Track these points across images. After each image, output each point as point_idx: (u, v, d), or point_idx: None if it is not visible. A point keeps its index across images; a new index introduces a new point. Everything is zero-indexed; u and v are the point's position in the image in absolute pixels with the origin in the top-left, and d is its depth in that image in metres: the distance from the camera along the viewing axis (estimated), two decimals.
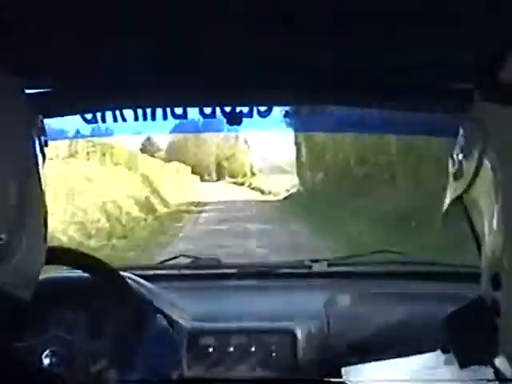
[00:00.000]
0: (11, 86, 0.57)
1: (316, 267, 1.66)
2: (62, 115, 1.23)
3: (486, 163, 0.51)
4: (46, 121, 0.77)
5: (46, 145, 0.64)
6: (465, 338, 0.58)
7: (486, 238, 0.52)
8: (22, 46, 0.85)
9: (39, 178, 0.60)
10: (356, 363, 1.26)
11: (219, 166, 35.17)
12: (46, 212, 0.63)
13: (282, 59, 1.03)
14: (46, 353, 1.01)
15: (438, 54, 0.97)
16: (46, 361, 1.01)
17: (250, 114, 1.22)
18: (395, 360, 0.87)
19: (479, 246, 0.56)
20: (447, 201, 0.61)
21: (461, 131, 0.59)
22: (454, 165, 0.58)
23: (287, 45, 0.96)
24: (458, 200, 0.59)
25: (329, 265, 1.65)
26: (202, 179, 31.66)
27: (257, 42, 0.95)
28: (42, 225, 0.61)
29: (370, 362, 1.23)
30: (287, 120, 1.35)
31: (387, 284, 1.60)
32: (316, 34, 0.91)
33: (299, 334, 1.31)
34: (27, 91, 0.62)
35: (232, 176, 34.30)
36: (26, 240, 0.55)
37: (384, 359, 1.24)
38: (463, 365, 0.59)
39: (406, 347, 1.18)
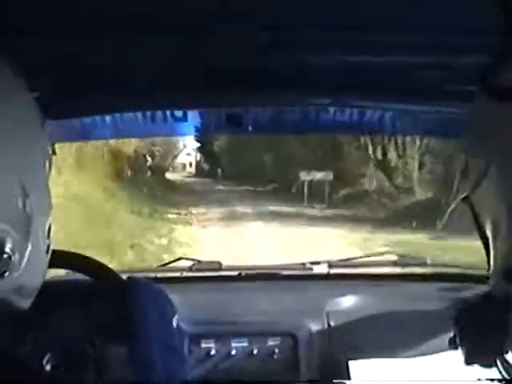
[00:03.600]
0: (17, 88, 0.56)
1: (317, 269, 1.66)
2: (63, 118, 1.23)
3: (492, 163, 0.50)
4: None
5: (54, 152, 0.63)
6: (476, 334, 0.57)
7: (495, 238, 0.52)
8: (29, 47, 0.85)
9: (44, 182, 0.60)
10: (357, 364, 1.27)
11: None
12: (50, 217, 0.62)
13: (280, 61, 1.03)
14: (47, 356, 1.00)
15: (439, 56, 0.97)
16: (48, 364, 1.00)
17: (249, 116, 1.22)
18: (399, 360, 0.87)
19: (486, 246, 0.55)
20: (456, 200, 0.61)
21: (464, 129, 0.59)
22: (461, 163, 0.57)
23: (287, 47, 0.96)
24: (466, 199, 0.58)
25: (329, 266, 1.65)
26: None
27: (256, 46, 0.95)
28: (46, 231, 0.60)
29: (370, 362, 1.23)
30: None
31: (388, 286, 1.60)
32: (315, 34, 0.91)
33: (300, 336, 1.31)
34: (34, 94, 0.61)
35: None
36: (30, 248, 0.55)
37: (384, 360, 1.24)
38: (471, 361, 0.59)
39: (407, 348, 1.18)
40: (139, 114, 1.22)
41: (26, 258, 0.53)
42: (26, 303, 0.59)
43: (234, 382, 1.27)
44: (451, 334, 0.62)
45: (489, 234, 0.53)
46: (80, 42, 0.88)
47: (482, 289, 0.58)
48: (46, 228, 0.60)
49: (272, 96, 1.18)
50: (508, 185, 0.47)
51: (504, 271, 0.50)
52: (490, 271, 0.54)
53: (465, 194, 0.57)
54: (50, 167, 0.63)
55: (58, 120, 1.23)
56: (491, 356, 0.55)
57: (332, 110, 1.27)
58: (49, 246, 0.62)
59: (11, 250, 0.50)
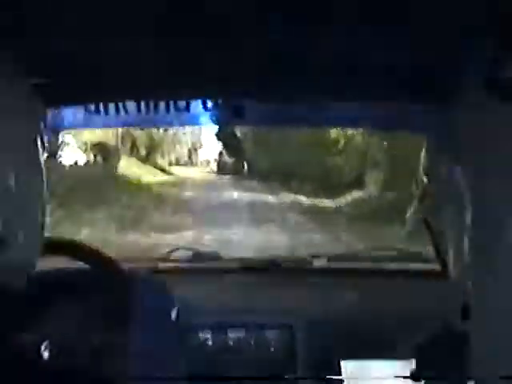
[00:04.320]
0: (16, 75, 0.56)
1: (316, 263, 1.66)
2: (65, 105, 1.23)
3: (453, 185, 0.48)
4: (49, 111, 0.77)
5: (49, 133, 0.64)
6: (435, 370, 0.56)
7: (453, 266, 0.50)
8: (27, 36, 0.84)
9: (40, 168, 0.60)
10: (354, 359, 1.27)
11: None
12: (45, 203, 0.62)
13: (281, 55, 1.03)
14: (44, 345, 1.00)
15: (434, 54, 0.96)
16: (45, 353, 1.01)
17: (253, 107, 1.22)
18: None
19: (445, 272, 0.53)
20: (411, 222, 0.59)
21: (425, 150, 0.56)
22: (417, 187, 0.55)
23: (287, 41, 0.95)
24: (424, 223, 0.56)
25: (329, 260, 1.65)
26: None
27: (258, 38, 0.95)
28: (40, 216, 0.61)
29: (369, 358, 1.23)
30: None
31: (387, 281, 1.60)
32: (314, 32, 0.91)
33: (298, 329, 1.31)
34: (31, 81, 0.61)
35: None
36: (23, 230, 0.55)
37: (383, 356, 1.24)
38: None
39: (406, 346, 1.17)
40: (142, 103, 1.22)
41: (20, 236, 0.54)
42: (22, 283, 0.60)
43: (230, 373, 1.28)
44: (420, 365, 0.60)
45: (449, 261, 0.51)
46: (82, 31, 0.88)
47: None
48: (41, 208, 0.60)
49: (273, 89, 1.17)
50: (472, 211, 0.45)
51: (461, 308, 0.48)
52: (448, 307, 0.52)
53: (422, 216, 0.55)
54: (47, 152, 0.63)
55: (59, 108, 1.22)
56: None
57: (333, 104, 1.27)
58: (43, 226, 0.62)
59: (3, 227, 0.51)
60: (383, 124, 1.46)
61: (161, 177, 19.36)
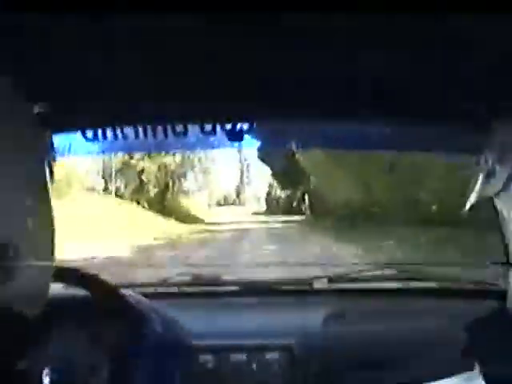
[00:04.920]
0: (21, 102, 0.57)
1: (317, 284, 1.65)
2: (66, 132, 1.24)
3: None
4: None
5: (55, 160, 0.64)
6: (491, 350, 0.56)
7: None
8: (31, 63, 0.86)
9: (47, 193, 0.60)
10: (356, 381, 1.26)
11: None
12: (54, 229, 0.62)
13: (281, 74, 1.04)
14: (46, 371, 1.00)
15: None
16: (46, 379, 1.00)
17: (251, 131, 1.22)
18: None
19: (507, 253, 0.55)
20: (473, 199, 0.60)
21: (494, 135, 0.57)
22: (486, 164, 0.56)
23: (287, 59, 0.96)
24: (489, 202, 0.57)
25: (329, 281, 1.65)
26: None
27: (256, 57, 0.96)
28: (50, 242, 0.61)
29: (369, 380, 1.22)
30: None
31: (388, 301, 1.60)
32: (319, 47, 0.91)
33: (299, 351, 1.30)
34: (36, 108, 0.62)
35: None
36: (33, 255, 0.55)
37: (384, 376, 1.23)
38: (489, 375, 0.57)
39: (408, 366, 1.17)
40: (140, 129, 1.23)
41: (28, 269, 0.54)
42: (32, 313, 0.60)
43: None
44: (461, 347, 0.60)
45: (509, 241, 0.52)
46: (81, 53, 0.89)
47: (486, 304, 0.57)
48: (50, 240, 0.60)
49: (272, 111, 1.19)
50: None
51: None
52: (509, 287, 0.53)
53: (489, 195, 0.56)
54: (52, 178, 0.63)
55: (60, 134, 1.24)
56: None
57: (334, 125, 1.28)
58: (53, 252, 0.62)
59: (12, 258, 0.51)
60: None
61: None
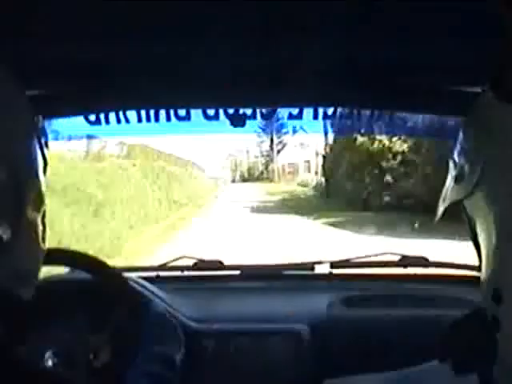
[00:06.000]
0: (12, 86, 0.57)
1: (319, 269, 1.66)
2: (65, 116, 1.24)
3: (489, 171, 0.49)
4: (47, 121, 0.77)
5: (47, 145, 0.64)
6: (463, 349, 0.56)
7: (486, 250, 0.51)
8: (25, 47, 0.85)
9: (39, 179, 0.61)
10: (358, 365, 1.26)
11: None
12: (45, 212, 0.63)
13: (284, 60, 1.03)
14: (48, 353, 1.01)
15: (440, 57, 0.97)
16: (49, 361, 1.01)
17: (253, 116, 1.22)
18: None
19: (480, 256, 0.54)
20: (445, 203, 0.59)
21: (462, 133, 0.57)
22: (455, 166, 0.56)
23: (289, 45, 0.96)
24: (458, 205, 0.57)
25: (331, 266, 1.65)
26: None
27: (259, 44, 0.95)
28: (40, 225, 0.61)
29: (371, 365, 1.22)
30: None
31: (389, 286, 1.60)
32: (318, 35, 0.91)
33: (301, 335, 1.31)
34: (28, 92, 0.62)
35: None
36: (24, 240, 0.55)
37: (385, 361, 1.24)
38: (458, 372, 0.57)
39: (408, 351, 1.17)
40: (142, 112, 1.22)
41: (19, 245, 0.54)
42: (24, 293, 0.60)
43: (233, 381, 1.27)
44: (448, 344, 0.60)
45: (481, 244, 0.52)
46: (81, 41, 0.88)
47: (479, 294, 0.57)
48: (40, 216, 0.61)
49: (273, 97, 1.18)
50: (503, 192, 0.46)
51: (493, 291, 0.49)
52: (480, 289, 0.53)
53: (458, 198, 0.55)
54: (45, 163, 0.63)
55: (58, 118, 1.23)
56: (479, 369, 0.54)
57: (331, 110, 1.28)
58: (44, 233, 0.62)
59: (3, 240, 0.51)
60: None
61: None
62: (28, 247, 0.57)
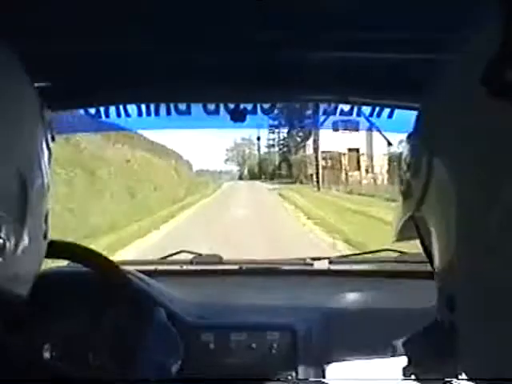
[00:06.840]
0: (19, 79, 0.56)
1: (317, 265, 1.66)
2: (67, 109, 1.23)
3: (435, 179, 0.48)
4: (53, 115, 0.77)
5: (53, 139, 0.63)
6: (423, 363, 0.55)
7: (438, 258, 0.50)
8: (31, 38, 0.85)
9: (43, 172, 0.60)
10: (356, 361, 1.27)
11: None
12: (48, 207, 0.62)
13: (282, 57, 1.03)
14: (46, 347, 1.01)
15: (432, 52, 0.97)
16: (47, 355, 1.01)
17: (253, 111, 1.21)
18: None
19: (432, 266, 0.53)
20: (400, 223, 0.58)
21: (406, 149, 0.55)
22: (402, 184, 0.54)
23: (287, 42, 0.96)
24: (410, 220, 0.55)
25: (330, 263, 1.65)
26: None
27: (257, 40, 0.95)
28: (43, 220, 0.61)
29: (370, 359, 1.23)
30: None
31: (388, 283, 1.60)
32: (312, 32, 0.91)
33: (300, 331, 1.31)
34: (35, 84, 0.61)
35: None
36: (26, 234, 0.55)
37: (384, 356, 1.24)
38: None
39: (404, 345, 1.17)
40: (143, 106, 1.22)
41: (22, 245, 0.54)
42: (23, 290, 0.60)
43: (232, 375, 1.28)
44: (408, 359, 0.59)
45: (433, 253, 0.51)
46: (83, 34, 0.88)
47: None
48: (44, 214, 0.60)
49: (274, 92, 1.18)
50: (456, 201, 0.45)
51: (446, 299, 0.48)
52: (436, 298, 0.52)
53: (409, 214, 0.54)
54: (50, 157, 0.63)
55: (60, 111, 1.23)
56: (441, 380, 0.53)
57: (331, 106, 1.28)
58: (46, 233, 0.62)
59: (6, 235, 0.51)
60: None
61: None
62: (31, 244, 0.57)
